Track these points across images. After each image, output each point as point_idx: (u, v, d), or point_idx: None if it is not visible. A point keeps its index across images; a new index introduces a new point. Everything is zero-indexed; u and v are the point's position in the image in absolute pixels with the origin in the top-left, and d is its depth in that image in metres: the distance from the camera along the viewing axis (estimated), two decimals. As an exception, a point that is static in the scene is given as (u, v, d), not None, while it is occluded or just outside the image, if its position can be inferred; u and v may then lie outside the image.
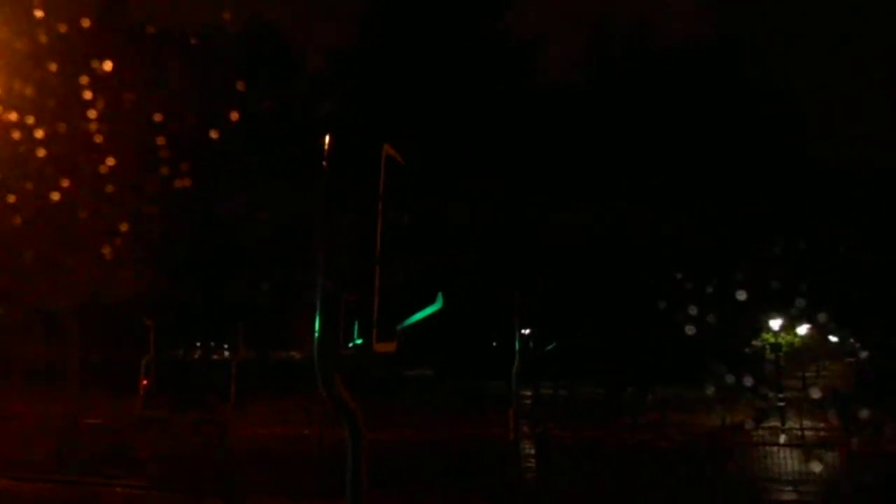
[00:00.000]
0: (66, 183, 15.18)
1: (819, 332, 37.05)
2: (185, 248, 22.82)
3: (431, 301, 3.64)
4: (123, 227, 17.29)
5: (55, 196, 14.99)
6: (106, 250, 16.98)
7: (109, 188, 15.79)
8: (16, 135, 12.85)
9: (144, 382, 23.34)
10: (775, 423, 22.47)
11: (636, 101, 27.18)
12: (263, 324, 29.47)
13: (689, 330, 24.28)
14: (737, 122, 26.40)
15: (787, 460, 15.72)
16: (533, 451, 17.35)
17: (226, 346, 41.69)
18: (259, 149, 25.71)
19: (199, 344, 44.07)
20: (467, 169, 26.62)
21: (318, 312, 3.29)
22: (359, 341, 3.36)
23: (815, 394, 30.36)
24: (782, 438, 18.77)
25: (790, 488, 14.30)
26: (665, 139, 26.39)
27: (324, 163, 3.47)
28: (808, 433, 19.63)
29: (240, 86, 21.17)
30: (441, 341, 29.38)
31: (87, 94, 14.33)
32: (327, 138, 3.52)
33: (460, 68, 29.03)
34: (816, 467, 15.61)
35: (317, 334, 3.28)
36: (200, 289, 25.87)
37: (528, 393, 27.94)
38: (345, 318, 3.35)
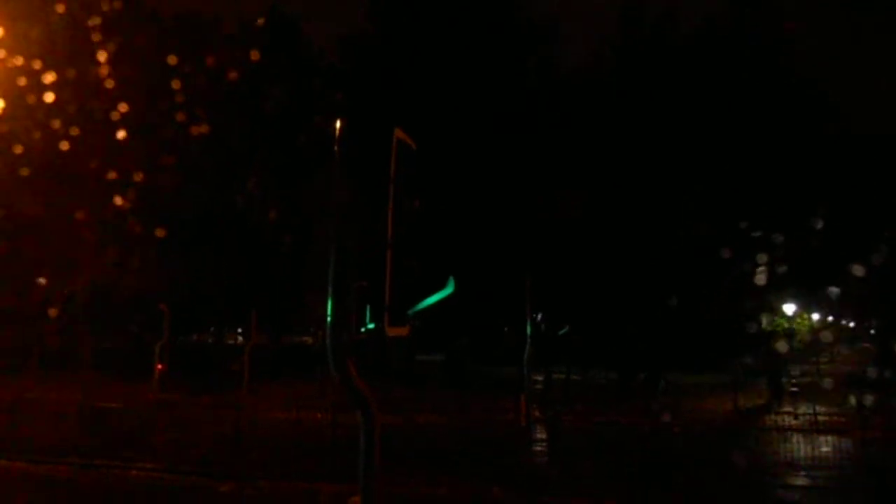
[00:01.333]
0: (75, 131, 14.37)
1: (834, 317, 36.85)
2: (198, 216, 22.53)
3: (443, 285, 3.63)
4: (138, 178, 16.70)
5: (64, 145, 14.23)
6: (118, 201, 16.38)
7: (122, 135, 14.83)
8: (21, 81, 12.02)
9: (159, 367, 23.61)
10: (789, 408, 22.39)
11: (658, 86, 26.84)
12: (276, 309, 29.65)
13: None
14: (756, 108, 26.08)
15: (800, 445, 15.68)
16: (545, 436, 17.39)
17: (239, 330, 42.05)
18: (271, 134, 25.74)
19: (212, 329, 44.49)
20: (480, 154, 26.51)
21: (330, 297, 3.29)
22: (371, 325, 3.36)
23: (825, 375, 30.24)
24: (795, 423, 18.71)
25: (803, 473, 14.27)
26: (683, 124, 26.12)
27: (335, 148, 3.46)
28: (821, 418, 19.53)
29: (253, 58, 20.48)
30: (453, 326, 29.44)
31: (97, 36, 13.59)
32: (339, 124, 3.50)
33: (474, 51, 28.81)
34: (829, 452, 15.57)
35: (330, 319, 3.28)
36: (213, 273, 26.02)
37: (540, 378, 27.98)
38: (357, 302, 3.35)
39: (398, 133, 3.58)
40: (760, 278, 24.68)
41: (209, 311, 33.73)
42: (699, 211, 25.55)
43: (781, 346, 28.65)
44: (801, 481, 13.91)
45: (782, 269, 24.64)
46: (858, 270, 23.21)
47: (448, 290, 3.63)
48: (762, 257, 24.25)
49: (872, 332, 45.22)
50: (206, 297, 28.54)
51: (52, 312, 21.09)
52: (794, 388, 25.30)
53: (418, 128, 3.77)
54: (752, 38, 27.48)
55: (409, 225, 3.53)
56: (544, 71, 30.90)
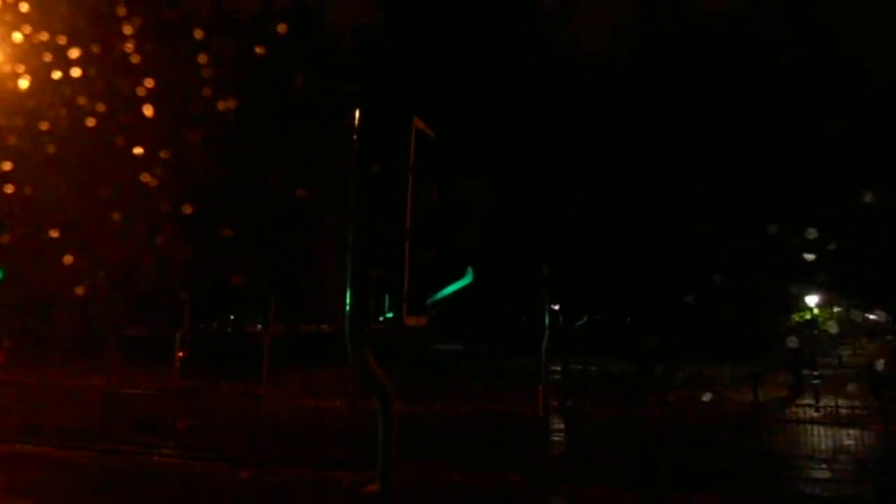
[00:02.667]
0: (101, 108, 14.32)
1: (857, 309, 36.36)
2: (219, 202, 22.55)
3: (461, 275, 3.63)
4: (164, 155, 16.72)
5: (90, 122, 14.19)
6: (146, 178, 16.42)
7: (148, 112, 14.59)
8: (47, 57, 11.86)
9: (180, 354, 23.89)
10: (809, 400, 22.18)
11: (677, 72, 26.52)
12: (294, 298, 29.79)
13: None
14: (769, 94, 25.71)
15: (821, 437, 15.53)
16: (562, 426, 17.38)
17: (259, 318, 42.39)
18: (291, 121, 25.78)
19: (232, 317, 44.88)
20: (498, 143, 26.40)
21: (348, 287, 3.30)
22: (389, 315, 3.37)
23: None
24: (816, 416, 18.53)
25: (823, 466, 14.15)
26: (697, 110, 25.83)
27: (353, 137, 3.46)
28: (842, 411, 19.32)
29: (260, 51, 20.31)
30: (472, 316, 29.47)
31: (122, 10, 13.47)
32: (357, 113, 3.50)
33: (489, 38, 28.65)
34: (850, 445, 15.41)
35: (348, 308, 3.30)
36: (233, 262, 26.20)
37: (558, 368, 27.93)
38: (375, 292, 3.35)
39: (416, 122, 3.58)
40: (781, 268, 24.46)
41: (229, 299, 34.00)
42: (708, 204, 25.32)
43: (797, 339, 28.44)
44: (821, 474, 13.80)
45: (803, 259, 24.35)
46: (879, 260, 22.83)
47: (466, 280, 3.63)
48: (783, 247, 24.00)
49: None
50: (226, 286, 28.73)
51: (79, 290, 21.15)
52: (816, 381, 25.01)
53: (431, 117, 3.77)
54: (753, 39, 27.14)
55: (427, 214, 3.53)
56: (557, 59, 30.57)
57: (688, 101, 25.95)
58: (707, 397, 21.47)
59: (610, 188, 26.64)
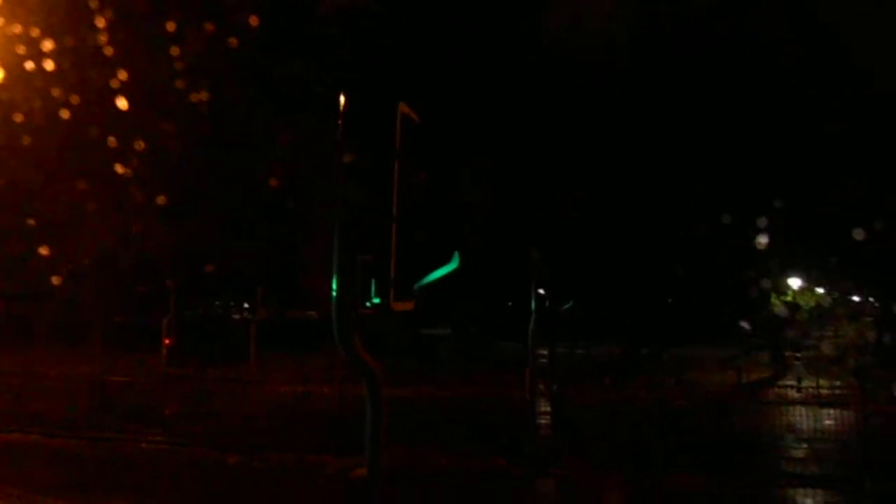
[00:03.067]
0: (75, 99, 14.46)
1: (839, 291, 36.81)
2: (202, 188, 22.48)
3: (448, 260, 3.64)
4: (140, 146, 16.79)
5: (65, 114, 14.31)
6: (120, 170, 16.54)
7: (122, 103, 14.79)
8: (20, 49, 11.86)
9: (167, 341, 23.83)
10: (791, 381, 22.50)
11: (671, 58, 26.49)
12: (281, 284, 29.75)
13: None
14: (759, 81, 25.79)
15: (802, 418, 15.78)
16: (549, 410, 17.53)
17: (245, 305, 42.25)
18: (277, 105, 25.57)
19: (218, 303, 44.69)
20: (485, 126, 26.32)
21: (335, 272, 3.30)
22: (376, 300, 3.38)
23: (828, 349, 30.57)
24: (798, 396, 18.81)
25: (804, 445, 14.38)
26: (696, 109, 25.86)
27: (339, 122, 3.46)
28: (823, 391, 19.62)
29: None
30: (459, 300, 29.54)
31: (95, 2, 13.50)
32: (342, 97, 3.49)
33: (479, 19, 28.45)
34: (831, 425, 15.66)
35: (334, 294, 3.30)
36: (218, 247, 26.07)
37: (545, 352, 28.09)
38: (362, 277, 3.36)
39: (402, 107, 3.58)
40: (761, 249, 24.75)
41: (215, 285, 33.83)
42: (695, 195, 25.51)
43: (780, 314, 28.81)
44: (801, 453, 14.03)
45: (785, 240, 24.62)
46: (859, 236, 23.07)
47: (453, 265, 3.65)
48: (763, 225, 24.26)
49: (876, 304, 45.20)
50: (212, 272, 28.63)
51: (56, 281, 21.12)
52: (797, 362, 25.41)
53: (422, 99, 3.77)
54: (753, 39, 27.15)
55: (414, 199, 3.54)
56: (558, 58, 30.39)
57: (687, 100, 25.96)
58: (669, 384, 21.80)
59: (598, 178, 26.68)
